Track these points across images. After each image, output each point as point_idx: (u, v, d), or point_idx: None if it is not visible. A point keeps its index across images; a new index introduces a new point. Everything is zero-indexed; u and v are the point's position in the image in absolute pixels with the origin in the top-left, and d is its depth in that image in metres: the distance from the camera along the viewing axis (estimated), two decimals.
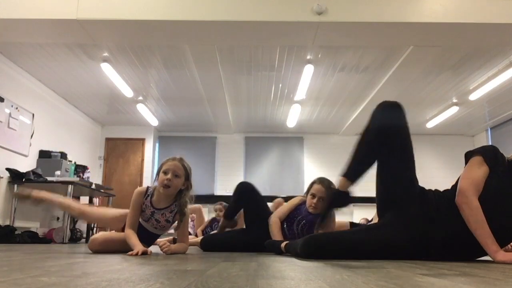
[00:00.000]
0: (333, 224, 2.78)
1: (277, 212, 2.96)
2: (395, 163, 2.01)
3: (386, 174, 2.03)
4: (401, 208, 1.94)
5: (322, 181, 2.79)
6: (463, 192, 1.76)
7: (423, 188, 2.01)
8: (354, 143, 2.09)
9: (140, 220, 2.44)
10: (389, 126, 1.99)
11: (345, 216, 3.57)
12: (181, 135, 8.71)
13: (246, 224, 3.33)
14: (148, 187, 2.47)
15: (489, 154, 1.82)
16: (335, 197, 2.13)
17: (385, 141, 1.98)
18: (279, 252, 2.38)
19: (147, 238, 2.43)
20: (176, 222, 2.46)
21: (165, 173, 2.35)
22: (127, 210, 2.58)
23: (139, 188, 2.47)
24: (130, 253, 2.07)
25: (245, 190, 3.21)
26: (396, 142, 2.00)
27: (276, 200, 3.79)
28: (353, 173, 2.07)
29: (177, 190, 2.40)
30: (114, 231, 2.64)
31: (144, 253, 2.07)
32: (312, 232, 2.76)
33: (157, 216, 2.43)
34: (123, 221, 2.44)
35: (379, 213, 2.09)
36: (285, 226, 2.91)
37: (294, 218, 2.89)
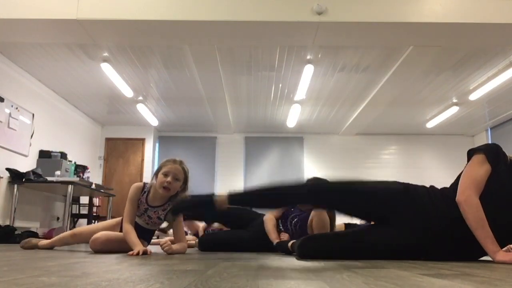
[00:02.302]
0: (327, 224, 2.79)
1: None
2: (360, 209, 1.97)
3: (363, 217, 2.02)
4: (397, 214, 1.91)
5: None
6: (464, 191, 1.75)
7: (415, 188, 1.94)
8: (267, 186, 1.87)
9: None
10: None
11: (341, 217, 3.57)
12: (181, 135, 8.71)
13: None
14: (145, 184, 2.49)
15: (492, 152, 1.80)
16: (204, 201, 1.84)
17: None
18: (287, 252, 2.42)
19: (141, 233, 2.43)
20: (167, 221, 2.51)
21: (166, 175, 2.36)
22: (117, 219, 2.67)
23: (136, 184, 2.49)
24: (130, 253, 2.07)
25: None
26: (339, 203, 1.97)
27: None
28: (237, 203, 1.85)
29: (175, 192, 2.43)
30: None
31: (144, 253, 2.07)
32: (305, 229, 2.78)
33: (150, 213, 2.47)
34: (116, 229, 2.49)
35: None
36: (280, 223, 2.94)
37: (288, 215, 2.92)
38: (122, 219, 2.59)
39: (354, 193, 1.91)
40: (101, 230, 2.53)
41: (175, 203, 1.82)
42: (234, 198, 1.80)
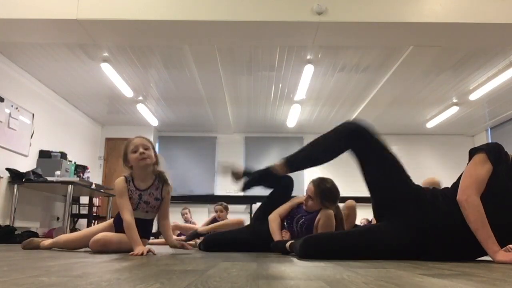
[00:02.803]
0: (333, 224, 2.78)
1: (278, 209, 2.96)
2: (379, 175, 2.00)
3: (374, 186, 2.02)
4: (398, 210, 1.93)
5: (314, 180, 2.82)
6: (465, 190, 1.74)
7: (419, 188, 1.99)
8: (313, 140, 2.11)
9: None
10: (353, 133, 2.01)
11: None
12: (181, 135, 8.71)
13: (252, 219, 3.34)
14: (125, 176, 2.49)
15: (493, 151, 1.79)
16: (264, 173, 2.19)
17: (352, 145, 2.01)
18: (284, 252, 2.39)
19: (142, 227, 2.40)
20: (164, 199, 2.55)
21: (135, 151, 2.39)
22: (105, 224, 2.68)
23: (118, 179, 2.49)
24: (133, 253, 2.06)
25: (290, 184, 3.14)
26: (368, 152, 2.00)
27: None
28: (295, 164, 2.13)
29: (153, 162, 2.45)
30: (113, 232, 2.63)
31: (148, 253, 2.08)
32: (311, 230, 2.77)
33: (145, 198, 2.47)
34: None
35: (377, 217, 2.09)
36: (285, 224, 2.92)
37: (293, 216, 2.90)
38: (112, 220, 2.60)
39: (381, 156, 1.99)
40: (85, 237, 2.53)
41: (245, 181, 2.24)
42: (291, 161, 2.09)
